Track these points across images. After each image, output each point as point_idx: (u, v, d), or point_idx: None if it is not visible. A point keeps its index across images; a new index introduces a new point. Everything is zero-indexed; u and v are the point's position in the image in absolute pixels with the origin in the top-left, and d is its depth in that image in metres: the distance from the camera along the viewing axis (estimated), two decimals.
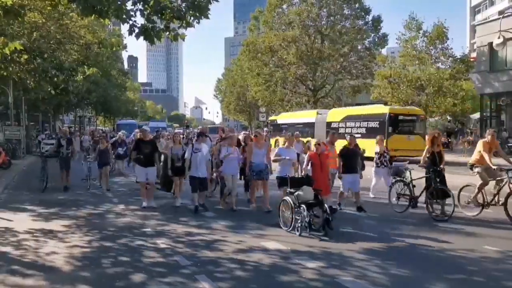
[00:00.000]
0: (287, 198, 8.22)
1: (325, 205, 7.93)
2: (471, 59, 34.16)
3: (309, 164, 9.34)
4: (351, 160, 10.22)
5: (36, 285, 5.51)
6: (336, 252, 6.82)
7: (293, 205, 7.95)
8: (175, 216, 9.65)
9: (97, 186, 14.22)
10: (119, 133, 19.45)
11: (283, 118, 35.58)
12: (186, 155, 10.22)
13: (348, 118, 26.75)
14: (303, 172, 9.61)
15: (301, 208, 7.82)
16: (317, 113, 30.38)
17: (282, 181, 8.87)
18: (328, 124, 27.43)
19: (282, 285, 5.53)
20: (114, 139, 18.67)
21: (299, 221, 7.78)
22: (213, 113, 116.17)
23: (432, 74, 31.83)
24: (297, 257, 6.51)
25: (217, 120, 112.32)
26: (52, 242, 7.48)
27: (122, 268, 6.16)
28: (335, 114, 28.48)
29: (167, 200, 11.64)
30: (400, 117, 24.75)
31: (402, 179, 10.18)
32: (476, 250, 6.98)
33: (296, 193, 8.06)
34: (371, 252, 6.83)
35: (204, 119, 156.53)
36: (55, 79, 19.74)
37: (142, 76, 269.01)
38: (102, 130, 46.59)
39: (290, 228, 7.95)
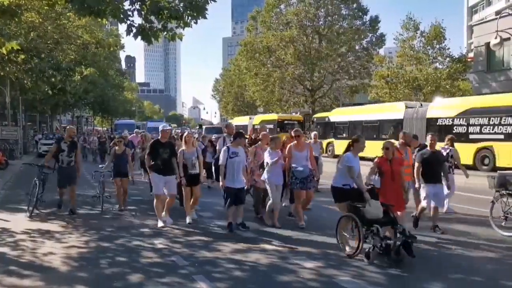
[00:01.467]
0: (351, 215, 6.53)
1: (400, 224, 6.48)
2: (469, 59, 34.21)
3: (377, 172, 7.27)
4: (434, 166, 8.17)
5: (33, 286, 5.49)
6: (333, 252, 6.81)
7: (360, 224, 6.31)
8: (173, 216, 9.63)
9: (111, 206, 10.71)
10: (124, 132, 16.98)
11: (235, 121, 42.86)
12: (220, 161, 8.33)
13: (262, 122, 33.88)
14: (366, 181, 7.25)
15: (373, 228, 6.28)
16: (249, 118, 39.95)
17: (343, 194, 6.89)
18: (254, 125, 33.94)
19: (280, 285, 5.52)
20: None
21: (370, 245, 6.30)
22: (211, 113, 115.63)
23: (429, 74, 31.90)
24: (295, 257, 6.50)
25: (215, 120, 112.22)
26: (49, 243, 7.46)
27: (120, 268, 6.15)
28: (257, 119, 37.29)
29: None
30: (285, 122, 33.91)
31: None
32: (474, 249, 7.00)
33: (363, 208, 6.45)
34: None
35: (202, 119, 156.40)
36: (53, 79, 19.74)
37: (140, 76, 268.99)
38: (107, 129, 46.30)
39: (356, 252, 6.36)
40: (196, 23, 7.91)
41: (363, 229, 6.28)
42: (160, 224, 8.61)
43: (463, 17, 70.48)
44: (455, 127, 19.52)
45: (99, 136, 26.81)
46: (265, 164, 8.61)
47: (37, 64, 17.88)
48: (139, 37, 7.93)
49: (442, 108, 20.74)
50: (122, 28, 76.38)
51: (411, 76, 32.59)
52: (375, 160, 7.33)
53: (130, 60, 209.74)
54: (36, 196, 9.66)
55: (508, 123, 17.86)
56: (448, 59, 33.11)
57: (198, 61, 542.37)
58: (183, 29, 8.27)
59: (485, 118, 18.66)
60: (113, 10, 7.48)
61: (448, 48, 33.42)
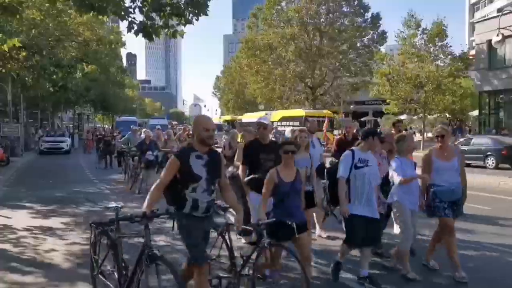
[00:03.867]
0: None
1: None
2: (470, 57, 34.15)
3: None
4: None
5: (35, 282, 5.51)
6: (336, 249, 6.79)
7: None
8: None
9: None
10: (143, 130, 13.66)
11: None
12: (340, 172, 5.31)
13: (224, 122, 42.67)
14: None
15: None
16: (219, 117, 47.99)
17: None
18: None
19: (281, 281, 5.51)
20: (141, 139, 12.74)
21: None
22: (212, 110, 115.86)
23: (431, 72, 31.84)
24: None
25: (216, 118, 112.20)
26: (51, 240, 7.47)
27: None
28: (223, 119, 46.24)
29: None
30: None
31: None
32: (476, 247, 6.98)
33: None
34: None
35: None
36: (54, 76, 19.77)
37: (141, 73, 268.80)
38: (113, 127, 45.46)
39: None
40: (197, 20, 7.91)
41: None
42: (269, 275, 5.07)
43: (464, 14, 70.36)
44: (278, 127, 28.78)
45: (99, 134, 24.89)
46: (393, 178, 5.69)
47: (39, 61, 17.89)
48: (140, 34, 7.93)
49: (275, 116, 32.43)
50: (123, 25, 76.35)
51: (412, 73, 32.52)
52: None
53: (131, 57, 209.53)
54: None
55: (294, 125, 28.12)
56: (449, 56, 33.04)
57: (199, 59, 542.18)
58: (184, 26, 8.25)
59: (286, 122, 29.62)
60: (114, 7, 7.48)
61: (450, 46, 33.34)
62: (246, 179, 5.69)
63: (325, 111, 32.26)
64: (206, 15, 7.87)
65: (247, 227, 4.81)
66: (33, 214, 9.78)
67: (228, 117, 45.79)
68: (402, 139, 5.85)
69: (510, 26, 22.63)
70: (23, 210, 10.26)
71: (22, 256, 6.58)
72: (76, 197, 11.90)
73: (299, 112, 30.22)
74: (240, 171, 5.97)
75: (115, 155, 18.57)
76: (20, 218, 9.22)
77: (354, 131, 8.44)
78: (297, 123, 26.69)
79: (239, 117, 41.77)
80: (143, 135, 12.82)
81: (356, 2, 39.99)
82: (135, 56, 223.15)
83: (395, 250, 5.87)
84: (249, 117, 36.35)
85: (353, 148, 5.55)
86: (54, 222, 8.82)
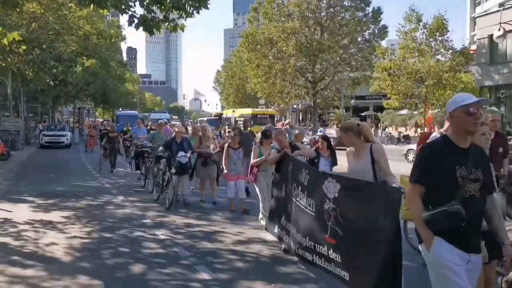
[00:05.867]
0: None
1: None
2: (471, 51, 34.08)
3: None
4: None
5: (36, 276, 5.52)
6: None
7: None
8: (174, 207, 9.64)
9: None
10: (174, 124, 11.17)
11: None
12: None
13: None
14: None
15: None
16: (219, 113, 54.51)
17: None
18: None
19: (282, 276, 5.54)
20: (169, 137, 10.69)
21: None
22: (212, 105, 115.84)
23: (431, 67, 31.81)
24: None
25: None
26: (52, 233, 7.49)
27: (122, 259, 6.18)
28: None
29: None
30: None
31: None
32: None
33: None
34: None
35: (203, 111, 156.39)
36: (54, 70, 19.74)
37: (141, 67, 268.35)
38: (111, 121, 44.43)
39: None
40: (198, 13, 7.88)
41: None
42: None
43: (466, 9, 70.17)
44: (238, 123, 31.28)
45: (104, 129, 20.03)
46: None
47: (39, 55, 17.88)
48: (141, 28, 7.90)
49: (237, 113, 36.66)
50: (123, 19, 76.11)
51: (413, 68, 32.50)
52: None
53: (132, 51, 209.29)
54: None
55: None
56: (450, 51, 32.99)
57: (199, 53, 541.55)
58: (185, 20, 8.22)
59: (243, 118, 33.82)
60: (114, 1, 7.46)
61: (451, 40, 33.33)
62: (427, 214, 2.88)
63: (270, 109, 41.22)
64: (207, 8, 7.84)
65: None
66: (33, 208, 9.79)
67: (217, 112, 52.47)
68: None
69: (511, 20, 22.57)
70: (23, 204, 10.27)
71: (23, 250, 6.59)
72: (76, 191, 11.93)
73: (248, 111, 36.78)
74: (408, 198, 3.13)
75: (132, 156, 14.69)
76: (21, 212, 9.23)
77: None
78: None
79: (221, 112, 48.46)
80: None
81: None
82: (135, 50, 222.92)
83: None
84: (228, 113, 42.27)
85: None
86: (55, 216, 8.84)
